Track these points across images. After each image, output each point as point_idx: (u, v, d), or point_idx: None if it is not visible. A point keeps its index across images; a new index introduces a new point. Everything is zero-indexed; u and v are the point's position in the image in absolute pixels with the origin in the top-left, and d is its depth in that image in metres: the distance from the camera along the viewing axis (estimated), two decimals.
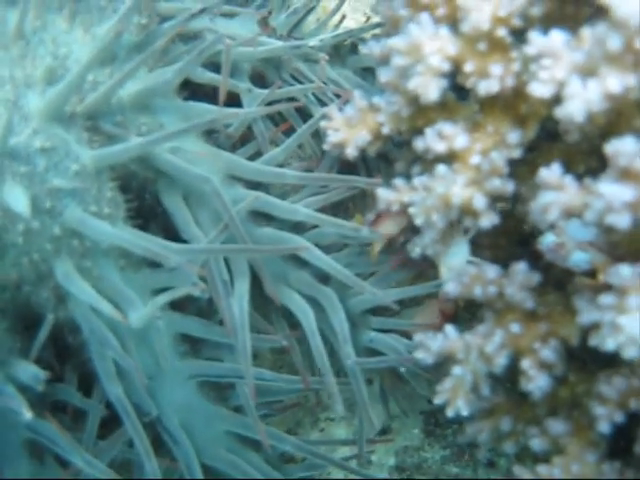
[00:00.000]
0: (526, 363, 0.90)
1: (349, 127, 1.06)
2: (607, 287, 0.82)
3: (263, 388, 1.09)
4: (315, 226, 1.11)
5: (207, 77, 1.11)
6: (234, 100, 1.12)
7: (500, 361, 0.91)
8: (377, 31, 1.21)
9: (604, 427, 0.87)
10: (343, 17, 1.30)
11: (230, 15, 1.21)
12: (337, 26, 1.30)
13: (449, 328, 0.95)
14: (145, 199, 1.10)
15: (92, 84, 1.03)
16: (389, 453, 1.28)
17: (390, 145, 1.08)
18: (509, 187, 0.92)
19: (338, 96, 1.14)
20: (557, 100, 0.82)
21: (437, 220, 0.94)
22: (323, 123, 1.08)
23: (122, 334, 1.02)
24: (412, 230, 1.03)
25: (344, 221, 1.08)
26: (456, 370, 0.93)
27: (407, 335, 1.10)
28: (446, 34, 0.91)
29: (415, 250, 1.02)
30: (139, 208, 1.08)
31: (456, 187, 0.91)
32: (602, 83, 0.79)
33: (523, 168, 0.96)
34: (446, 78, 0.92)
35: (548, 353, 0.90)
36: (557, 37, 0.84)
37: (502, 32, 0.89)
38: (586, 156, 0.93)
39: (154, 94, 1.06)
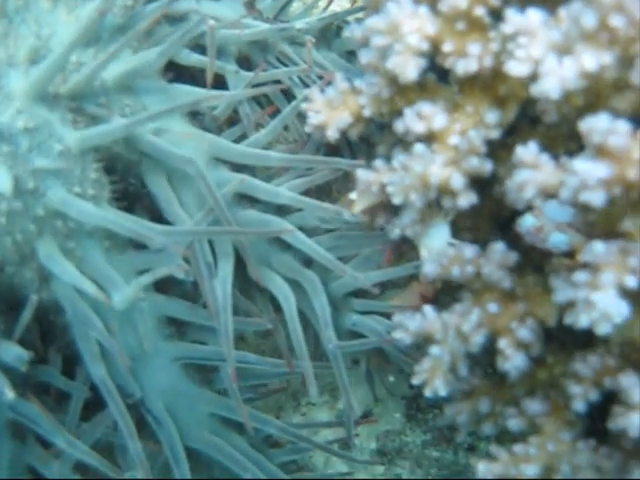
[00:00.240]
0: (503, 342, 0.90)
1: (330, 109, 1.06)
2: (583, 266, 0.81)
3: (247, 371, 1.09)
4: (299, 209, 1.11)
5: (193, 59, 1.11)
6: (220, 83, 1.12)
7: (477, 340, 0.91)
8: (361, 15, 1.20)
9: (579, 406, 0.87)
10: (330, 1, 1.30)
11: None
12: (324, 10, 1.30)
13: (427, 308, 0.95)
14: (130, 181, 1.10)
15: (76, 65, 1.03)
16: (370, 437, 1.28)
17: (372, 128, 1.08)
18: (487, 166, 0.92)
19: (321, 78, 1.14)
20: (534, 79, 0.82)
21: (415, 200, 0.94)
22: (304, 105, 1.08)
23: (106, 315, 1.02)
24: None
25: (327, 204, 1.08)
26: (434, 350, 0.93)
27: (389, 317, 1.09)
28: (425, 13, 0.91)
29: (395, 231, 1.02)
30: (124, 190, 1.08)
31: (434, 167, 0.91)
32: (578, 61, 0.79)
33: (503, 151, 0.95)
34: (425, 58, 0.91)
35: (525, 333, 0.90)
36: (534, 15, 0.83)
37: (480, 11, 0.89)
38: (566, 139, 0.93)
39: (138, 76, 1.06)
